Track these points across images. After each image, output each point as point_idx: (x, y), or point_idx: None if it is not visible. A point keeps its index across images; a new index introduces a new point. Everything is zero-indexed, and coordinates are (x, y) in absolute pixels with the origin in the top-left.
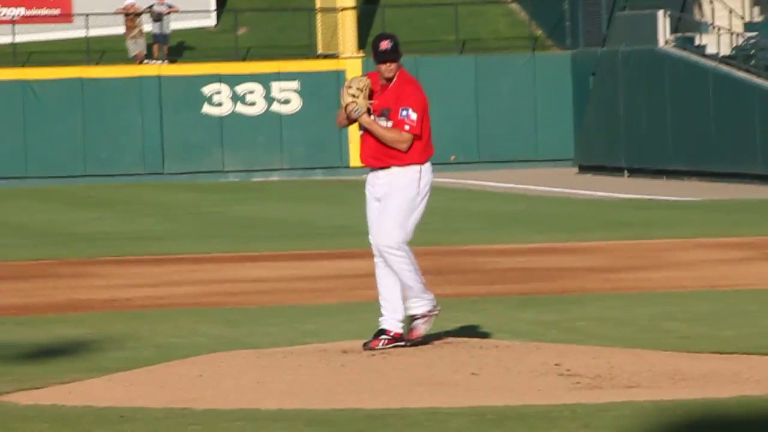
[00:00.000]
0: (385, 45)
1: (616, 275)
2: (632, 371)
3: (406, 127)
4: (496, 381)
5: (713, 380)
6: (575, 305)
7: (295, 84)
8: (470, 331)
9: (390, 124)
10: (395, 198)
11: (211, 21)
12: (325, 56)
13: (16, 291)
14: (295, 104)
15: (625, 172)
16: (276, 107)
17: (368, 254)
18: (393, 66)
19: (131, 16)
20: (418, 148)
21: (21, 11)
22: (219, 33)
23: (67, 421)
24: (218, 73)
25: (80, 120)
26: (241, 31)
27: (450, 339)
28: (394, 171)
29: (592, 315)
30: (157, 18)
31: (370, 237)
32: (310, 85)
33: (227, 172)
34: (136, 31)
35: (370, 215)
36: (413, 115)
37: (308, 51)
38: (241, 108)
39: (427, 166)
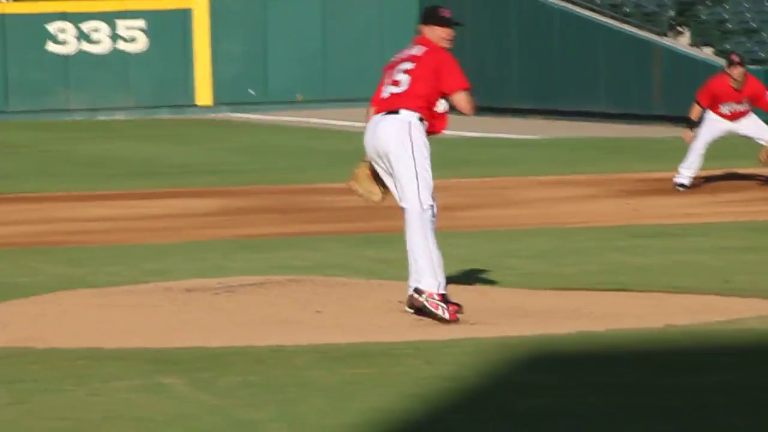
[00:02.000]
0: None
1: (459, 213)
2: (474, 308)
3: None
4: (340, 318)
5: (554, 316)
6: None
7: (141, 22)
8: (314, 270)
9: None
10: None
11: None
12: None
13: None
14: (142, 43)
15: None
16: (122, 45)
17: (213, 192)
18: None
19: None
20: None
21: None
22: None
23: None
24: (63, 10)
25: None
26: None
27: (294, 277)
28: None
29: None
30: None
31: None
32: (157, 24)
33: (72, 110)
34: None
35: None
36: None
37: None
38: (86, 46)
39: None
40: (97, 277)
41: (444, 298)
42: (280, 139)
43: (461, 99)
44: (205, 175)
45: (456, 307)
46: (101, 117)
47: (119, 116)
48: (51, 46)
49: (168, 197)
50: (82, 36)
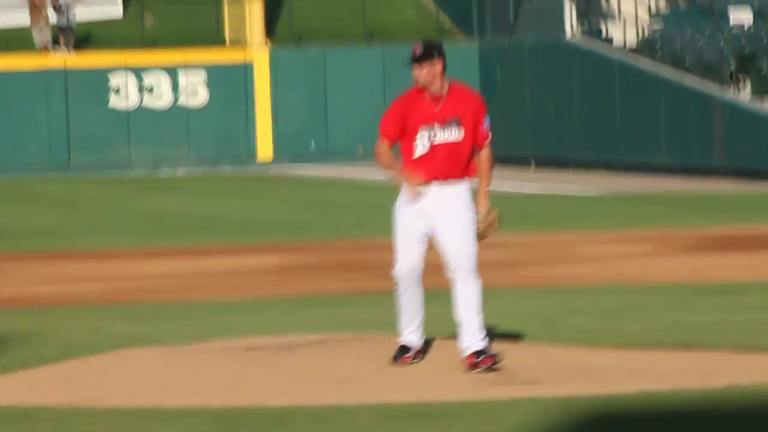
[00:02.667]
0: (416, 49)
1: (521, 270)
2: (536, 366)
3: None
4: (401, 377)
5: (617, 375)
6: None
7: (202, 75)
8: (376, 327)
9: (462, 132)
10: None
11: (117, 11)
12: (233, 47)
13: None
14: (203, 96)
15: (533, 163)
16: (183, 99)
17: (274, 248)
18: (424, 67)
19: (36, 5)
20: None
21: None
22: (126, 23)
23: None
24: (125, 63)
25: None
26: (148, 20)
27: (355, 335)
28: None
29: (496, 310)
30: (60, 9)
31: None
32: (217, 77)
33: (134, 166)
34: (41, 21)
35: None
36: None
37: (216, 41)
38: (148, 101)
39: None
40: (159, 335)
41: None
42: (341, 193)
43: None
44: (267, 230)
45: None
46: (163, 172)
47: (181, 171)
48: (113, 101)
49: (229, 254)
50: (144, 89)
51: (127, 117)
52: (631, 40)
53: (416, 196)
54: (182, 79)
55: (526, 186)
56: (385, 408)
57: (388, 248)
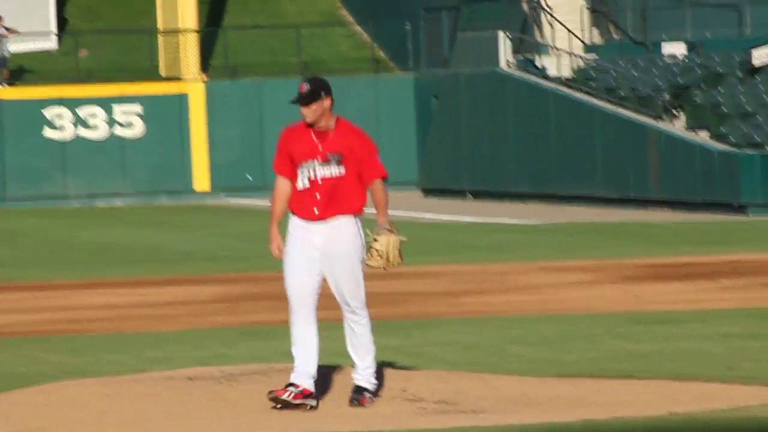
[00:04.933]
0: (303, 88)
1: (461, 299)
2: (478, 396)
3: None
4: (343, 407)
5: (558, 404)
6: (420, 330)
7: (137, 107)
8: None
9: (343, 169)
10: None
11: (51, 43)
12: (168, 79)
13: None
14: (139, 128)
15: (469, 195)
16: (119, 131)
17: (213, 279)
18: (310, 107)
19: None
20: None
21: None
22: (60, 56)
23: None
24: (60, 96)
25: None
26: (83, 53)
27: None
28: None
29: (437, 340)
30: None
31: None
32: (153, 109)
33: (70, 197)
34: None
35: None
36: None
37: (151, 74)
38: (83, 132)
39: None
40: (99, 366)
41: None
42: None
43: None
44: (205, 261)
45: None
46: (99, 203)
47: (117, 202)
48: (48, 132)
49: (168, 284)
50: (79, 121)
51: (63, 148)
52: (565, 70)
53: (277, 255)
54: (117, 111)
55: (463, 217)
56: None
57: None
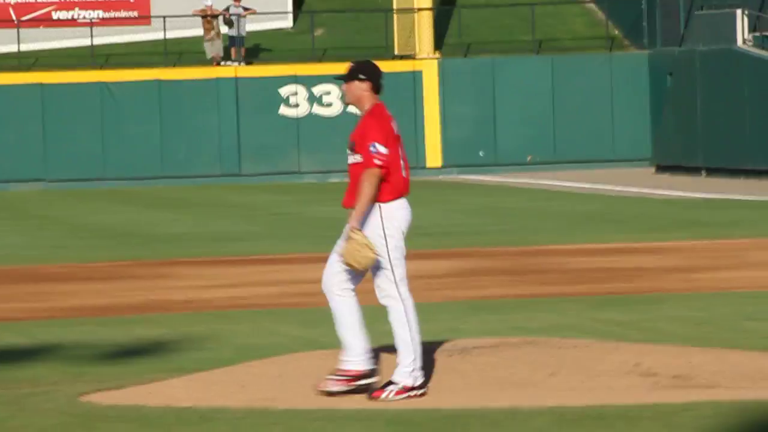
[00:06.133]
0: (348, 67)
1: (695, 275)
2: (713, 371)
3: (377, 162)
4: (575, 381)
5: None
6: (654, 305)
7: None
8: (549, 332)
9: (359, 157)
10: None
11: (287, 22)
12: (402, 57)
13: (96, 292)
14: None
15: (703, 171)
16: (352, 108)
17: (445, 253)
18: (345, 87)
19: (208, 18)
20: (384, 186)
21: (99, 14)
22: (295, 34)
23: (148, 422)
24: (295, 74)
25: (158, 121)
26: (318, 32)
27: (529, 339)
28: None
29: (671, 315)
30: (232, 21)
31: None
32: (387, 86)
33: (303, 173)
34: (212, 33)
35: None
36: (382, 149)
37: (385, 52)
38: (317, 109)
39: (395, 204)
40: (334, 339)
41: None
42: (511, 200)
43: None
44: (438, 236)
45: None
46: (333, 179)
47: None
48: (283, 109)
49: None
50: (313, 99)
51: (297, 125)
52: None
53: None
54: None
55: (697, 193)
56: (560, 411)
57: (558, 253)
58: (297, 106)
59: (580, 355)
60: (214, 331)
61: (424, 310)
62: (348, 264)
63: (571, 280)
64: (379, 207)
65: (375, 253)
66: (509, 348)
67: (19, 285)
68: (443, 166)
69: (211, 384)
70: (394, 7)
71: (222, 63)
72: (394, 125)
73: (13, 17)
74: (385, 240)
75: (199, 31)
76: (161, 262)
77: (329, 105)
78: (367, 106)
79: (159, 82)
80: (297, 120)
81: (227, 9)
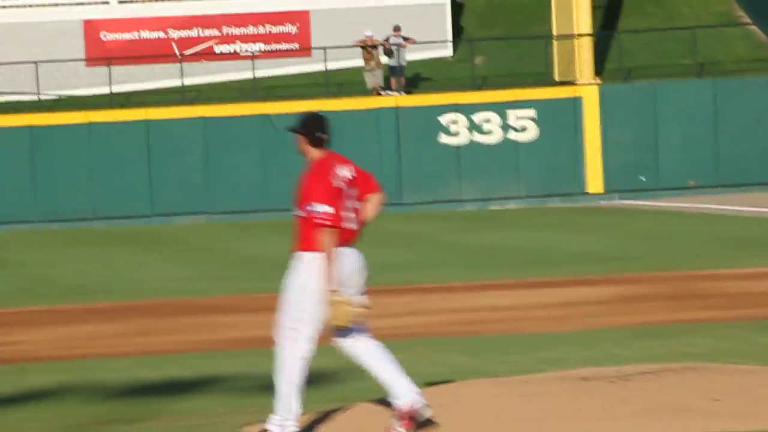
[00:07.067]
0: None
1: None
2: None
3: (323, 222)
4: (739, 407)
5: None
6: None
7: (531, 112)
8: (711, 357)
9: (299, 211)
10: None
11: (447, 51)
12: (562, 83)
13: (258, 324)
14: (532, 132)
15: None
16: (513, 135)
17: (606, 280)
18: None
19: (368, 48)
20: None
21: (260, 46)
22: (455, 63)
23: None
24: (455, 102)
25: None
26: (478, 60)
27: (691, 365)
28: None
29: None
30: (392, 51)
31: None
32: (546, 113)
33: (464, 200)
34: (373, 63)
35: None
36: (320, 208)
37: (545, 78)
38: (477, 137)
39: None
40: (494, 367)
41: None
42: (672, 225)
43: (383, 196)
44: (599, 262)
45: None
46: (493, 207)
47: (510, 205)
48: (443, 138)
49: (563, 286)
50: (474, 127)
51: (458, 153)
52: None
53: None
54: (512, 116)
55: None
56: None
57: (720, 278)
58: (457, 134)
59: (744, 381)
60: None
61: (585, 337)
62: (339, 327)
63: (733, 305)
64: (318, 257)
65: (360, 305)
66: (672, 374)
67: (182, 317)
68: (604, 192)
69: (370, 414)
70: (554, 33)
71: (382, 93)
72: (343, 172)
73: (177, 52)
74: (309, 290)
75: (359, 62)
76: None
77: (489, 133)
78: (309, 158)
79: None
80: (458, 148)
81: (387, 39)
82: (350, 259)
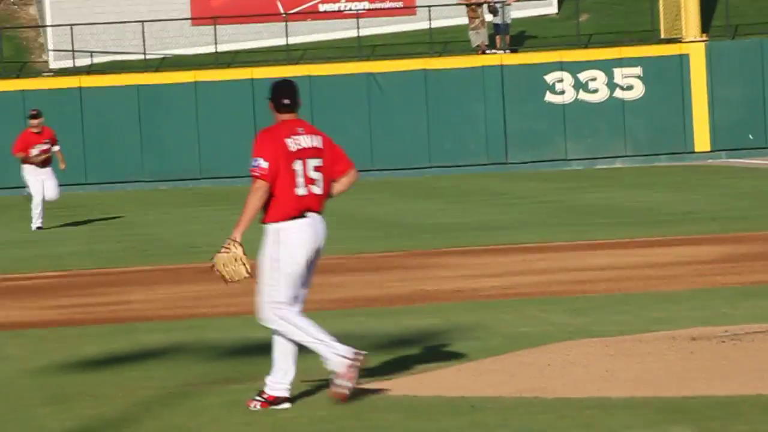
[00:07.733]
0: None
1: None
2: None
3: (255, 174)
4: None
5: None
6: None
7: (637, 70)
8: None
9: None
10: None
11: (552, 8)
12: (668, 41)
13: (367, 283)
14: (638, 90)
15: None
16: (619, 93)
17: (715, 239)
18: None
19: (473, 6)
20: (272, 204)
21: (365, 5)
22: (560, 20)
23: (419, 412)
24: (560, 60)
25: (424, 111)
26: (583, 17)
27: None
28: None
29: None
30: (497, 9)
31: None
32: (652, 71)
33: (570, 160)
34: (477, 21)
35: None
36: (261, 163)
37: (651, 36)
38: (583, 95)
39: (289, 226)
40: (603, 327)
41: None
42: (742, 182)
43: (355, 173)
44: (708, 221)
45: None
46: (599, 166)
47: (617, 164)
48: (549, 96)
49: (671, 245)
50: (579, 85)
51: (563, 112)
52: None
53: None
54: (617, 74)
55: None
56: None
57: None
58: (563, 92)
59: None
60: (482, 320)
61: (695, 297)
62: (218, 272)
63: None
64: (273, 230)
65: (248, 272)
66: None
67: None
68: (712, 150)
69: (480, 373)
70: None
71: (487, 51)
72: (306, 140)
73: (281, 10)
74: (269, 263)
75: (464, 20)
76: (430, 252)
77: (595, 91)
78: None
79: (425, 72)
80: (563, 107)
81: None
82: (310, 233)
